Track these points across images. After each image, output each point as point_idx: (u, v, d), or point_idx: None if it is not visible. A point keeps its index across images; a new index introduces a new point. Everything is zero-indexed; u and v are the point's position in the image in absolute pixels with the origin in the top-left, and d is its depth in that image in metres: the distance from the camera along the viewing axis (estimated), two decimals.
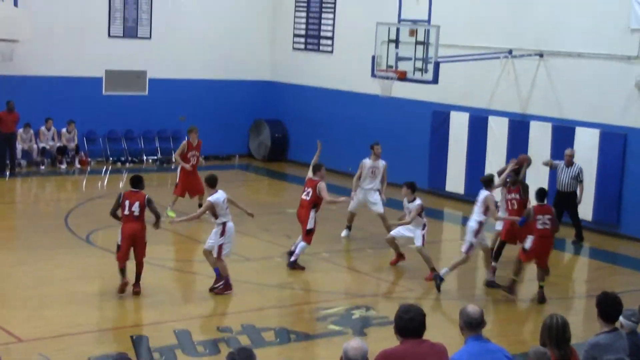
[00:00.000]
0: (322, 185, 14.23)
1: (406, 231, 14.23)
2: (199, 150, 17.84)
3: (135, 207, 12.36)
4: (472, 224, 13.67)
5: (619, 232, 17.69)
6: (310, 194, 14.24)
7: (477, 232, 13.62)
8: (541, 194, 13.41)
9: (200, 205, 17.71)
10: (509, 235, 14.34)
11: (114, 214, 12.63)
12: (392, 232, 14.55)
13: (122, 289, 12.39)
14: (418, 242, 14.09)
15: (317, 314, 12.19)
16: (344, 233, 16.54)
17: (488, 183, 13.98)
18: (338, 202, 15.02)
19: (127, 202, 12.40)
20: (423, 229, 14.17)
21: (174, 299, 12.72)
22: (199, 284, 13.39)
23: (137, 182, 12.73)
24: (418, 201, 14.16)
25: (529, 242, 13.21)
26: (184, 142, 17.88)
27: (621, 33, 17.44)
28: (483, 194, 13.75)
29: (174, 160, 17.79)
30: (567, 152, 17.12)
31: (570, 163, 16.98)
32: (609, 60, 17.70)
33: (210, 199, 12.70)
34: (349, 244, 16.25)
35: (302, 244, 14.32)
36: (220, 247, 12.75)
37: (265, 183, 23.37)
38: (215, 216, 12.71)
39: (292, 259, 14.35)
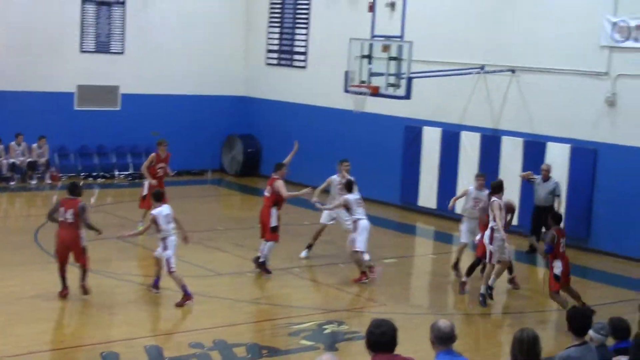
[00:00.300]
0: (279, 183, 14.48)
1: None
2: (167, 162, 17.83)
3: (69, 214, 12.62)
4: (486, 231, 13.74)
5: (589, 246, 17.82)
6: (270, 192, 14.43)
7: (490, 239, 13.64)
8: (558, 217, 13.43)
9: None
10: (483, 252, 14.17)
11: (50, 216, 13.00)
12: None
13: (61, 295, 12.72)
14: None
15: (289, 329, 12.14)
16: (303, 254, 16.08)
17: (496, 189, 13.93)
18: (300, 195, 15.04)
19: (62, 209, 12.70)
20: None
21: (145, 315, 12.62)
22: (169, 300, 13.29)
23: (73, 189, 13.03)
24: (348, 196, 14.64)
25: (558, 267, 12.83)
26: (153, 154, 17.84)
27: (591, 50, 17.63)
28: (491, 200, 13.81)
29: (144, 173, 17.66)
30: (543, 167, 17.21)
31: (546, 178, 17.08)
32: (579, 76, 17.88)
33: (154, 212, 13.01)
34: (321, 259, 16.21)
35: (269, 243, 14.37)
36: (168, 260, 12.86)
37: (237, 198, 23.32)
38: (158, 230, 12.86)
39: (261, 259, 14.40)
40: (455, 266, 15.29)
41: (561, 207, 17.53)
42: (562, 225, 13.52)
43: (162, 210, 12.99)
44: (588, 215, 17.82)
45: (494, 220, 13.61)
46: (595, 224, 17.80)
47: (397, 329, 6.01)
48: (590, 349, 7.54)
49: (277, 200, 14.51)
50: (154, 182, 17.49)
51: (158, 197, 13.35)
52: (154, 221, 12.91)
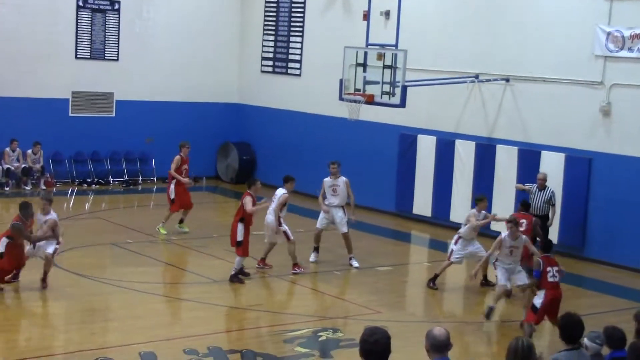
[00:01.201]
0: (246, 199, 14.62)
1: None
2: (188, 165, 18.28)
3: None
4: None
5: (583, 255, 17.86)
6: (238, 207, 14.72)
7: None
8: (547, 245, 12.50)
9: (181, 221, 17.75)
10: None
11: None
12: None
13: None
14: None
15: (284, 336, 12.15)
16: (312, 257, 16.35)
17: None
18: (260, 208, 15.00)
19: None
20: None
21: (140, 322, 12.61)
22: (165, 306, 13.30)
23: (21, 208, 13.35)
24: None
25: (539, 299, 12.06)
26: (177, 157, 18.21)
27: (586, 59, 17.70)
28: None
29: (170, 175, 18.07)
30: (539, 176, 17.17)
31: (542, 187, 17.05)
32: (573, 85, 17.94)
33: (55, 216, 13.76)
34: (316, 266, 16.23)
35: (237, 258, 14.43)
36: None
37: (232, 205, 23.18)
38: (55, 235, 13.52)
39: (232, 272, 14.45)
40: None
41: (555, 216, 17.56)
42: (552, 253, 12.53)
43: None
44: (583, 224, 17.86)
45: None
46: (590, 233, 17.85)
47: (390, 337, 6.02)
48: (582, 354, 7.56)
49: (243, 216, 14.56)
50: (187, 181, 18.08)
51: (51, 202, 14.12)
52: (55, 225, 13.73)
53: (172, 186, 17.99)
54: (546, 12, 18.37)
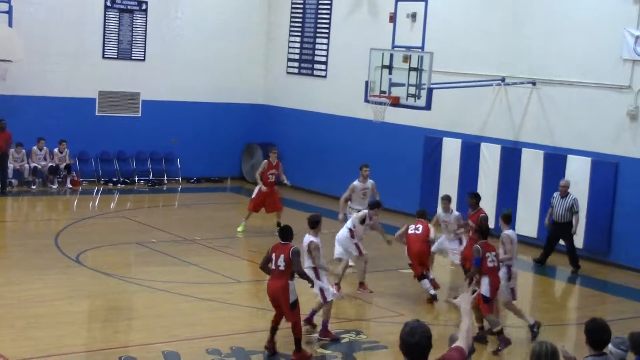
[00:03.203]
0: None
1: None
2: (278, 169, 18.64)
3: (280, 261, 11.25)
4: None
5: (609, 260, 17.72)
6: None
7: (508, 277, 12.80)
8: (484, 230, 12.59)
9: (279, 224, 17.68)
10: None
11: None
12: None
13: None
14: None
15: (307, 337, 12.14)
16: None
17: (505, 220, 13.09)
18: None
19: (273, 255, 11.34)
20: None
21: (164, 321, 12.65)
22: (188, 306, 13.33)
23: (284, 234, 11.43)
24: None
25: (485, 285, 12.09)
26: (265, 161, 18.72)
27: (613, 63, 17.56)
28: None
29: (257, 179, 18.56)
30: (561, 183, 17.15)
31: (565, 194, 17.03)
32: (600, 89, 17.81)
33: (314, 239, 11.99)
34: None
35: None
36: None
37: None
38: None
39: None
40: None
41: (581, 220, 17.45)
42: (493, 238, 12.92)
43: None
44: (609, 229, 17.72)
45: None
46: (615, 238, 17.70)
47: (431, 335, 5.92)
48: (608, 359, 7.49)
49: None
50: (264, 188, 18.26)
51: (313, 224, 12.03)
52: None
53: (257, 189, 18.43)
54: (573, 15, 18.25)
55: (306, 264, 11.76)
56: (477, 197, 14.88)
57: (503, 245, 12.80)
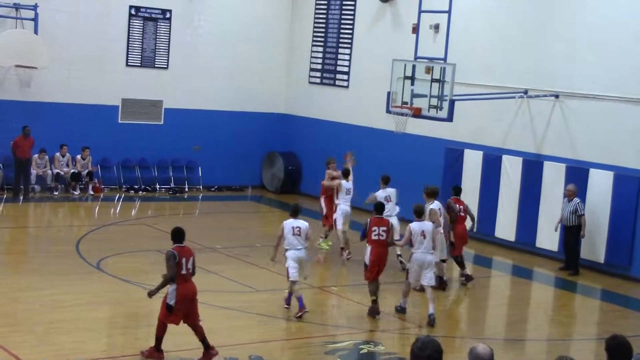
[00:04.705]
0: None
1: None
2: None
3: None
4: None
5: (631, 274, 17.58)
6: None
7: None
8: (379, 207, 14.03)
9: (326, 236, 18.17)
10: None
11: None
12: None
13: None
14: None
15: (325, 347, 12.14)
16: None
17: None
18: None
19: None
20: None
21: (181, 328, 12.66)
22: (206, 314, 13.34)
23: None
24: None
25: (366, 255, 13.66)
26: (328, 171, 18.63)
27: (636, 76, 17.46)
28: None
29: (323, 188, 18.48)
30: (567, 187, 17.74)
31: (571, 198, 17.55)
32: (624, 103, 17.71)
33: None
34: (359, 278, 16.17)
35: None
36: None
37: (276, 215, 23.32)
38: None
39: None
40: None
41: (603, 233, 17.38)
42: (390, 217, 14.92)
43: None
44: (630, 244, 17.59)
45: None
46: (637, 253, 17.56)
47: (442, 350, 5.92)
48: None
49: None
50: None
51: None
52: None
53: (322, 201, 18.37)
54: (597, 28, 18.17)
55: (299, 245, 13.42)
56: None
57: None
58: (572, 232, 17.59)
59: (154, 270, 15.83)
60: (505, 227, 19.64)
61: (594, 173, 18.07)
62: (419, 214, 13.83)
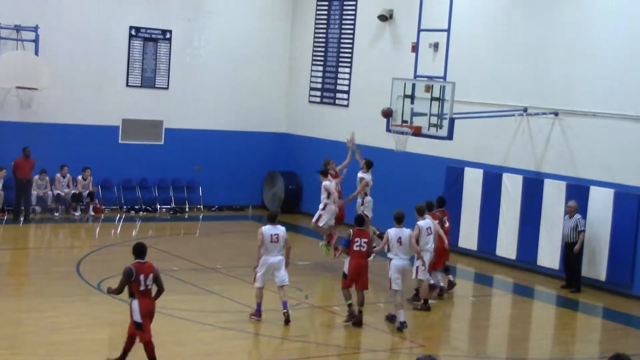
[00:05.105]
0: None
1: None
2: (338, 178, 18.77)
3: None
4: None
5: (632, 292, 17.54)
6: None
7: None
8: (359, 220, 14.50)
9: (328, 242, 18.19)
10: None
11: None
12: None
13: None
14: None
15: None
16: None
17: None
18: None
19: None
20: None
21: (183, 349, 12.66)
22: (208, 335, 13.32)
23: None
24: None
25: (346, 264, 14.07)
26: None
27: (636, 94, 17.49)
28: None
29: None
30: (569, 204, 17.81)
31: (571, 214, 17.63)
32: (623, 120, 17.73)
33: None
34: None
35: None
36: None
37: None
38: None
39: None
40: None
41: (603, 252, 17.36)
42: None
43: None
44: (632, 262, 17.55)
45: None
46: (639, 270, 17.53)
47: None
48: None
49: None
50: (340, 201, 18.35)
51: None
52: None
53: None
54: (596, 46, 18.21)
55: (275, 252, 13.93)
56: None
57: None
58: (572, 249, 17.62)
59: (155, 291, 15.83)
60: (506, 245, 19.61)
61: (594, 191, 18.06)
62: (399, 221, 14.36)
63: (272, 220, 14.08)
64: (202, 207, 24.52)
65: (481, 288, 18.17)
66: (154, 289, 11.18)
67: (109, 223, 22.27)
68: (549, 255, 18.67)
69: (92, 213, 22.69)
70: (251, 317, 14.03)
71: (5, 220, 21.26)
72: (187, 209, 24.29)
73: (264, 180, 25.53)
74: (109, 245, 19.59)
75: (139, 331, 11.00)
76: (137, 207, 23.64)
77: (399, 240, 14.19)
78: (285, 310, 13.86)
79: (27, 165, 21.34)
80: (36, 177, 21.89)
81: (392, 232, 14.25)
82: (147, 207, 23.77)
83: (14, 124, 21.90)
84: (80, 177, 22.54)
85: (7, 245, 19.12)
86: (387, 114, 17.45)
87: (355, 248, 14.00)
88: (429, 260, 15.27)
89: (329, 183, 17.63)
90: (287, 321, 13.81)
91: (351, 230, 14.19)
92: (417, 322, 14.76)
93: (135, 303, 11.00)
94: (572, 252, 17.60)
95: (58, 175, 22.37)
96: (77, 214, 22.49)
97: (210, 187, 24.55)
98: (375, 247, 14.97)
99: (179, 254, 18.60)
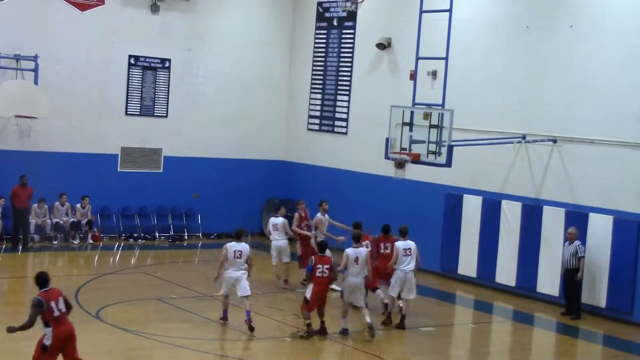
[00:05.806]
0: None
1: None
2: (308, 220, 18.97)
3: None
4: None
5: (632, 319, 17.49)
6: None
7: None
8: (322, 246, 15.09)
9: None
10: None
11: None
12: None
13: None
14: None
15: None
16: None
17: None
18: None
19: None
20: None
21: None
22: None
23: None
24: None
25: (308, 291, 14.53)
26: (297, 214, 19.09)
27: (634, 120, 17.54)
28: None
29: (295, 232, 18.96)
30: (569, 230, 17.76)
31: (572, 241, 17.59)
32: (622, 147, 17.76)
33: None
34: (359, 324, 16.06)
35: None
36: None
37: None
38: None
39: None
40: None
41: (603, 279, 17.32)
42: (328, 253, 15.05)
43: None
44: (632, 288, 17.51)
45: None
46: (639, 297, 17.49)
47: None
48: None
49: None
50: (313, 234, 18.61)
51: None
52: None
53: (298, 244, 18.87)
54: (594, 73, 18.27)
55: (237, 267, 14.99)
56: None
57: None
58: (572, 275, 17.57)
59: (155, 319, 15.84)
60: (506, 272, 19.58)
61: (593, 217, 18.06)
62: (356, 240, 15.16)
63: (238, 237, 15.20)
64: (201, 234, 24.50)
65: (481, 315, 18.11)
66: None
67: (107, 251, 22.24)
68: (549, 281, 18.64)
69: (91, 241, 22.65)
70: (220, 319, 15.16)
71: (3, 249, 21.23)
72: (186, 237, 24.26)
73: (263, 208, 25.51)
74: (108, 273, 19.55)
75: (44, 354, 10.82)
76: (135, 235, 23.62)
77: (356, 260, 14.83)
78: (247, 319, 14.55)
79: (25, 194, 21.33)
80: (35, 205, 21.88)
81: (350, 252, 14.91)
82: (146, 235, 23.74)
83: (13, 152, 21.93)
84: (79, 205, 22.53)
85: (6, 274, 19.07)
86: (401, 165, 17.66)
87: (317, 274, 14.50)
88: (400, 279, 15.87)
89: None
90: (251, 329, 14.50)
91: (313, 257, 14.81)
92: (414, 349, 14.69)
93: (49, 329, 10.87)
94: (572, 279, 17.56)
95: (57, 203, 22.35)
96: (76, 242, 22.46)
97: (209, 214, 24.54)
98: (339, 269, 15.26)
99: (177, 282, 18.57)
